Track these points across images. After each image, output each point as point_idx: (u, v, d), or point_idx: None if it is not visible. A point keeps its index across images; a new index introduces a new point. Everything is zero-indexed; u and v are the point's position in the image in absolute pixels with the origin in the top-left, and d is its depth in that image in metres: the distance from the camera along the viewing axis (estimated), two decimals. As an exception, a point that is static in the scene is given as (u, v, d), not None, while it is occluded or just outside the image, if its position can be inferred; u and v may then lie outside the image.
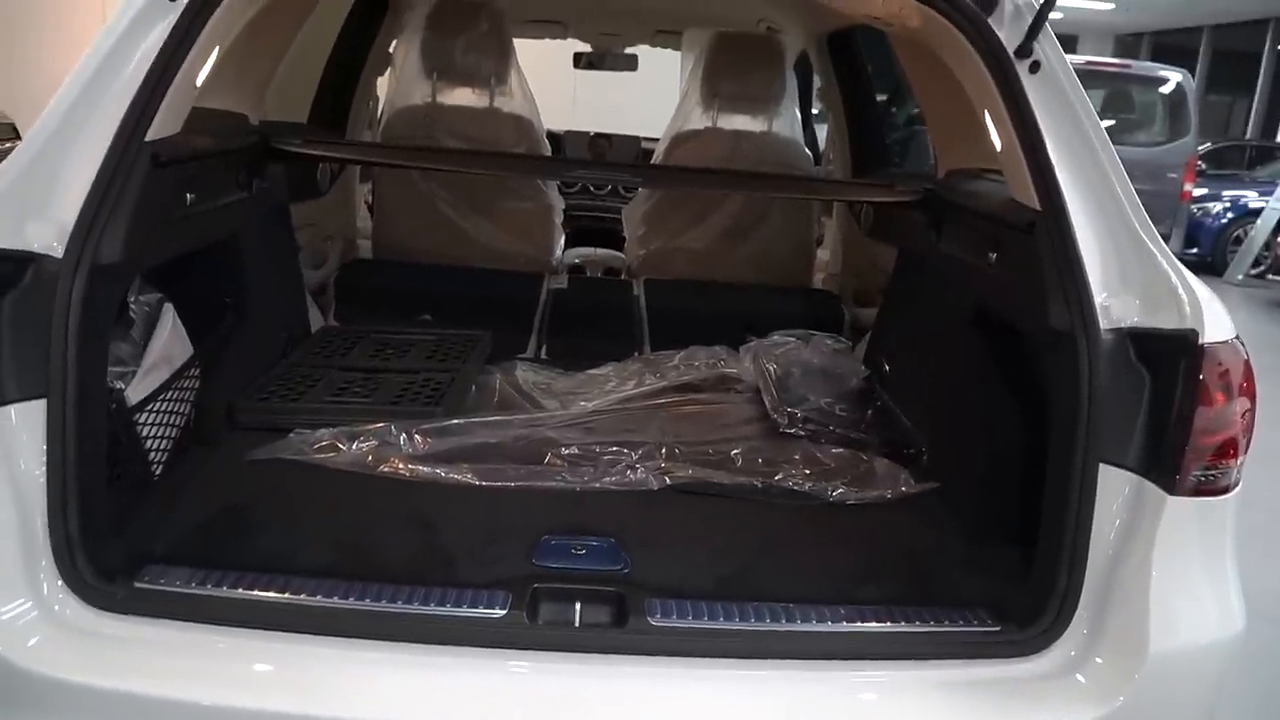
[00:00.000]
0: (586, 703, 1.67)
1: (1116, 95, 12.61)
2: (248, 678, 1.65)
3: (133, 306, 2.19)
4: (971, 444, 2.37)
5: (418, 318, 3.42)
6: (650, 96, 5.99)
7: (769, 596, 1.86)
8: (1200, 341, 1.72)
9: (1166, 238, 11.46)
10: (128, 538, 1.89)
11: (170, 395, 2.22)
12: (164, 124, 1.90)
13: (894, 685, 1.75)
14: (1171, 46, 22.45)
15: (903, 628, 1.84)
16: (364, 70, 3.92)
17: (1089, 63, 13.14)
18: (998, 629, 1.83)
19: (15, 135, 8.77)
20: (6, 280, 1.67)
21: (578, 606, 1.83)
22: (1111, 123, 12.13)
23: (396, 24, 4.05)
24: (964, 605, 1.89)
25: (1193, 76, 13.89)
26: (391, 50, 4.16)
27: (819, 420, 2.69)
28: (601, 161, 5.57)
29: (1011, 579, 1.91)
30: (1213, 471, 1.74)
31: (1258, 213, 12.75)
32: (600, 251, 4.68)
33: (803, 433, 2.65)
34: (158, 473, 2.18)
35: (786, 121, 4.15)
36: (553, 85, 5.92)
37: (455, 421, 2.51)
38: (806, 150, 4.32)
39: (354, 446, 2.35)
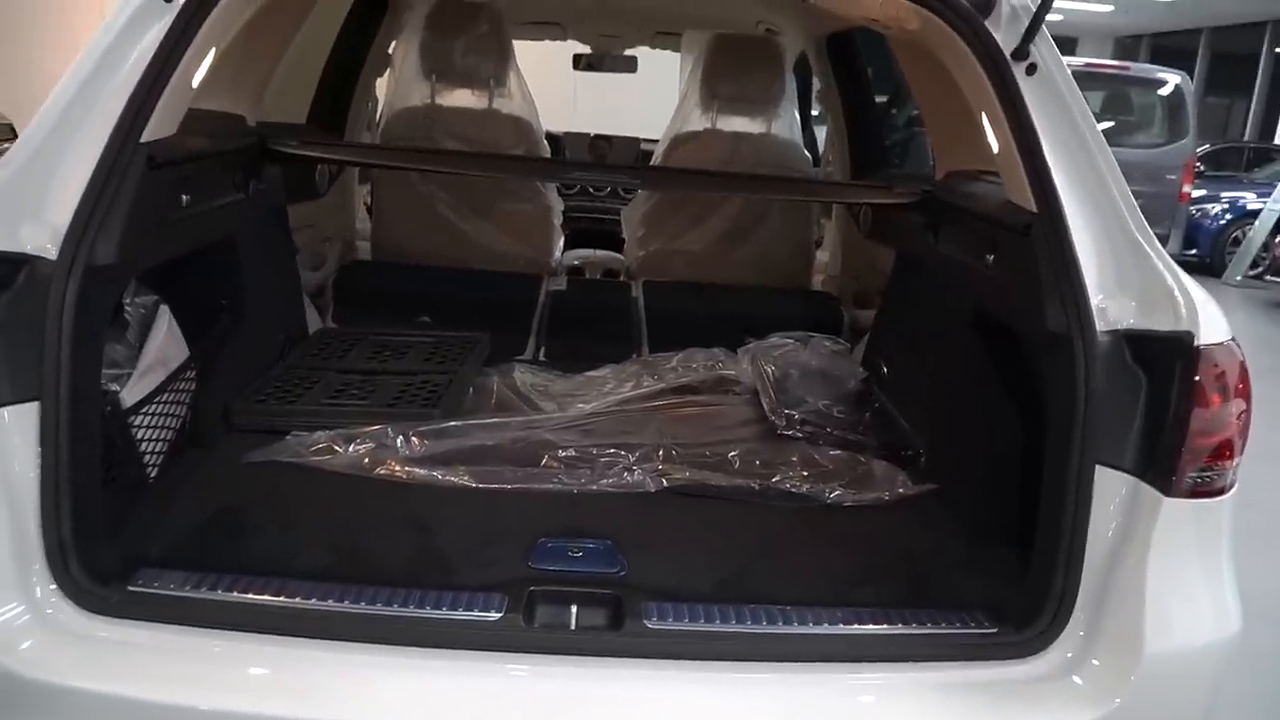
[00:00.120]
0: (583, 706, 1.67)
1: (1115, 97, 12.62)
2: (243, 681, 1.65)
3: (128, 308, 2.18)
4: (969, 446, 2.37)
5: (416, 319, 3.42)
6: (650, 98, 6.00)
7: (766, 599, 1.86)
8: (1196, 343, 1.72)
9: (1165, 239, 11.51)
10: (122, 541, 1.88)
11: (166, 398, 2.22)
12: (160, 125, 1.90)
13: (891, 687, 1.74)
14: (1170, 48, 22.49)
15: (900, 630, 1.83)
16: (363, 71, 3.92)
17: (1088, 65, 13.16)
18: (995, 631, 1.82)
19: (13, 135, 8.75)
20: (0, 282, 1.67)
21: (574, 609, 1.82)
22: (1111, 124, 12.15)
23: (395, 25, 4.05)
24: (961, 607, 1.89)
25: (1191, 78, 13.89)
26: (390, 51, 4.16)
27: (817, 422, 2.69)
28: (600, 163, 5.57)
29: (1009, 581, 1.91)
30: (1209, 473, 1.74)
31: (1256, 214, 12.77)
32: (599, 253, 4.67)
33: (800, 434, 2.65)
34: (153, 475, 2.17)
35: (785, 123, 4.16)
36: (553, 87, 5.93)
37: (452, 424, 2.51)
38: (805, 152, 4.32)
39: (351, 449, 2.34)
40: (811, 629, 1.81)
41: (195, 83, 2.03)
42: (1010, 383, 2.21)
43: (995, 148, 2.14)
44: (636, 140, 6.05)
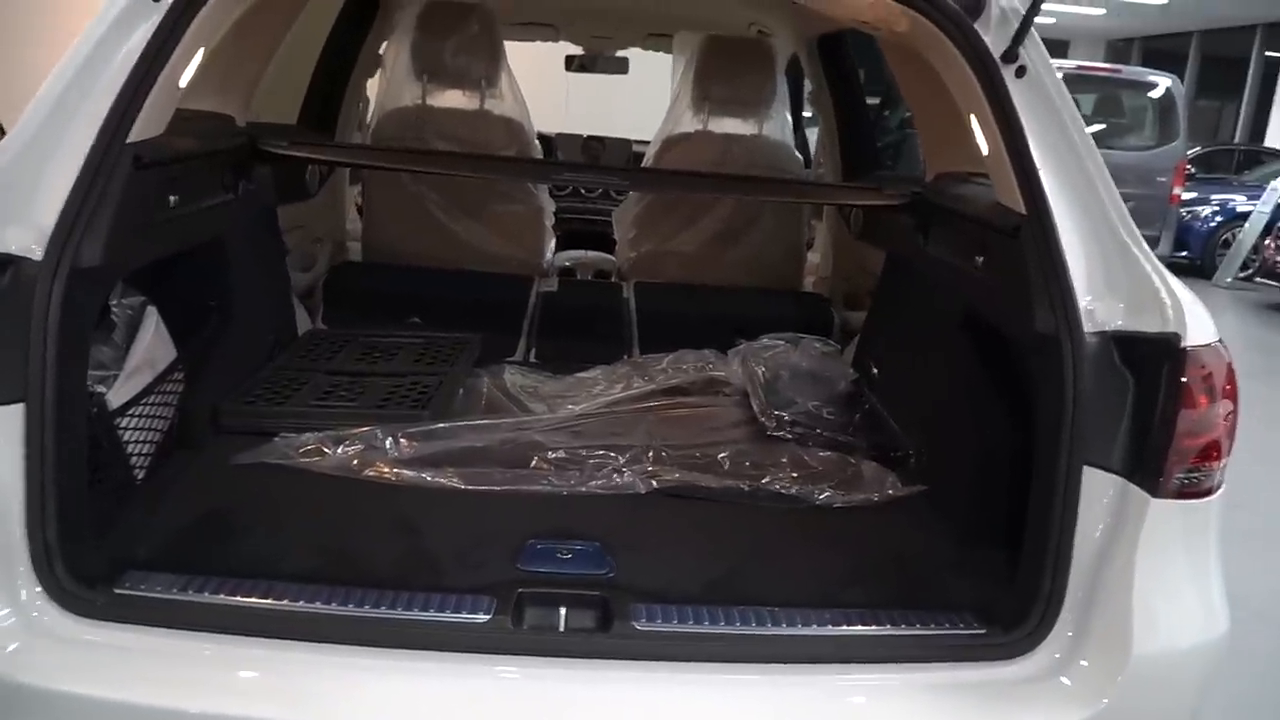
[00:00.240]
0: (571, 708, 1.67)
1: (1107, 100, 12.67)
2: (231, 684, 1.64)
3: (115, 310, 2.17)
4: (959, 447, 2.37)
5: (406, 321, 3.41)
6: (643, 99, 5.99)
7: (755, 600, 1.86)
8: (1183, 344, 1.72)
9: (1156, 241, 11.54)
10: (109, 543, 1.88)
11: (153, 399, 2.21)
12: (147, 125, 1.89)
13: (880, 688, 1.75)
14: (1162, 51, 22.57)
15: (889, 631, 1.83)
16: (354, 72, 3.91)
17: (1080, 67, 13.21)
18: (983, 632, 1.83)
19: (1, 133, 8.70)
20: None
21: (562, 611, 1.82)
22: (1102, 127, 12.19)
23: (386, 25, 4.04)
24: (950, 608, 1.89)
25: (1182, 81, 13.96)
26: (381, 52, 4.15)
27: (807, 423, 2.69)
28: (591, 165, 5.57)
29: (998, 582, 1.91)
30: (1196, 474, 1.74)
31: (1246, 216, 12.83)
32: (591, 254, 4.67)
33: (790, 436, 2.65)
34: (140, 477, 2.16)
35: (777, 125, 4.16)
36: (545, 88, 5.92)
37: (441, 425, 2.50)
38: (797, 154, 4.32)
39: (339, 450, 2.34)
40: (800, 630, 1.81)
41: (183, 83, 2.02)
42: (999, 384, 2.21)
43: (984, 150, 2.14)
44: (629, 142, 6.05)
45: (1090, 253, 1.87)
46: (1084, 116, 2.02)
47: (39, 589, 1.66)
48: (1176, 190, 12.24)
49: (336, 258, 3.98)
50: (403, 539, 2.06)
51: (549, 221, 4.17)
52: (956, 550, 2.15)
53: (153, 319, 2.24)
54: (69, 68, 1.80)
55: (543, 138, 4.80)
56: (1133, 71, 14.13)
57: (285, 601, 1.75)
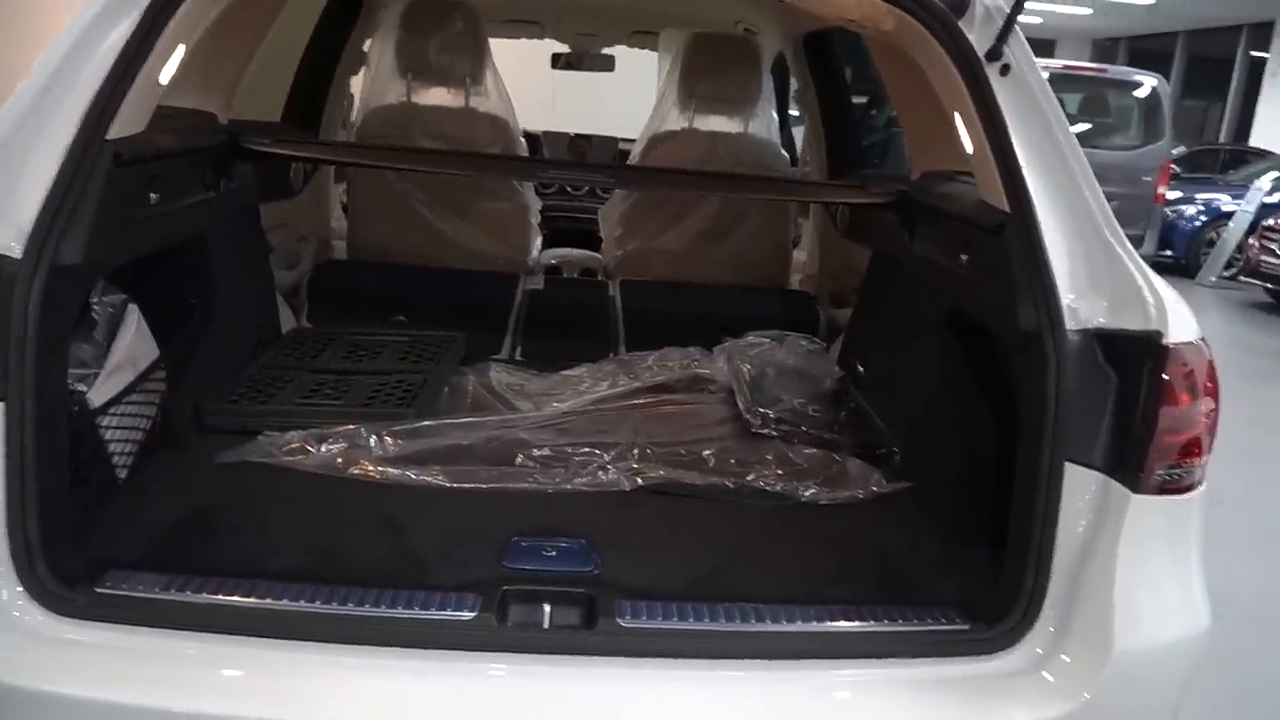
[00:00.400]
0: (557, 705, 1.67)
1: (1093, 99, 12.72)
2: (215, 683, 1.64)
3: (96, 307, 2.16)
4: (943, 444, 2.38)
5: (392, 319, 3.40)
6: (630, 97, 5.99)
7: (740, 597, 1.86)
8: (1165, 342, 1.73)
9: (1141, 240, 11.59)
10: (90, 542, 1.86)
11: (135, 398, 2.20)
12: (127, 122, 1.88)
13: (864, 684, 1.75)
14: (1147, 51, 22.68)
15: (873, 627, 1.84)
16: (338, 69, 3.90)
17: (1066, 67, 13.26)
18: (967, 627, 1.83)
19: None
20: None
21: (547, 608, 1.82)
22: (1088, 126, 12.24)
23: (371, 23, 4.03)
24: (934, 604, 1.90)
25: (1168, 81, 14.02)
26: (365, 49, 4.14)
27: (792, 421, 2.69)
28: (576, 162, 5.56)
29: (981, 577, 1.92)
30: (1177, 470, 1.76)
31: (1230, 215, 12.92)
32: (577, 252, 4.66)
33: (775, 433, 2.65)
34: (122, 476, 2.15)
35: (763, 123, 4.15)
36: (531, 86, 5.92)
37: (426, 423, 2.50)
38: (783, 152, 4.32)
39: (324, 449, 2.33)
40: (785, 626, 1.81)
41: (164, 80, 2.01)
42: (983, 381, 2.22)
43: (969, 148, 2.15)
44: (615, 140, 6.05)
45: (1073, 251, 1.88)
46: (1070, 116, 2.03)
47: (19, 588, 1.64)
48: (1161, 189, 12.30)
49: (321, 256, 3.97)
50: (387, 537, 2.05)
51: (535, 219, 4.16)
52: (940, 546, 2.15)
53: (134, 317, 2.23)
54: (49, 64, 1.79)
55: (529, 136, 4.79)
56: (1118, 71, 14.20)
57: (269, 600, 1.75)
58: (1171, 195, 12.88)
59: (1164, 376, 1.73)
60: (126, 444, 2.17)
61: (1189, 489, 1.79)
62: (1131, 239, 1.90)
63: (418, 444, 2.40)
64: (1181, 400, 1.75)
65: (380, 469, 2.29)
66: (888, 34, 2.26)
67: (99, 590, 1.73)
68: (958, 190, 2.48)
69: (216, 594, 1.75)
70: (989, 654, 1.77)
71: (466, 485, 2.27)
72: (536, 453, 2.44)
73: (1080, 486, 1.77)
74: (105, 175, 1.81)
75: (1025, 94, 1.97)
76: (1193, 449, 1.77)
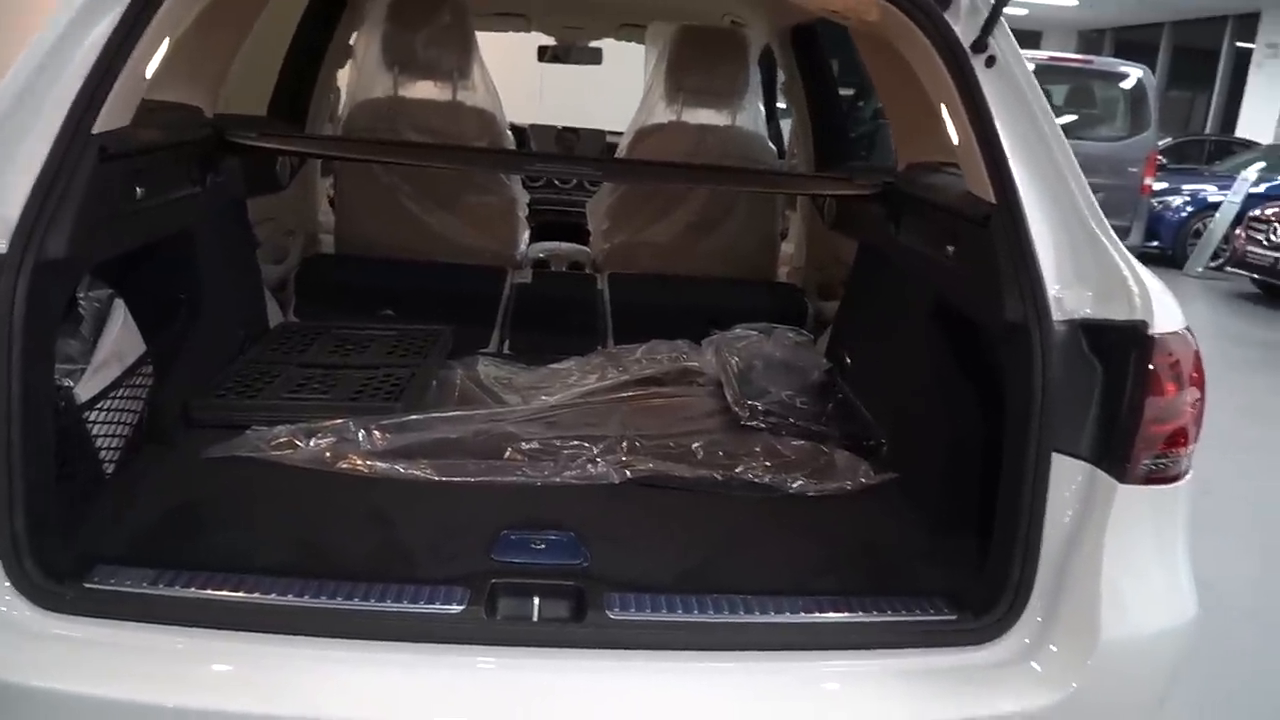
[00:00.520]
0: (546, 697, 1.67)
1: (1079, 91, 12.77)
2: (204, 678, 1.63)
3: (82, 302, 2.15)
4: (930, 435, 2.39)
5: (379, 313, 3.40)
6: (619, 90, 5.98)
7: (729, 589, 1.87)
8: (1150, 332, 1.74)
9: (1127, 231, 11.61)
10: (78, 537, 1.86)
11: (122, 393, 2.19)
12: (112, 116, 1.87)
13: (853, 674, 1.76)
14: (1133, 42, 22.71)
15: (861, 617, 1.85)
16: (324, 63, 3.88)
17: (1052, 58, 13.32)
18: (954, 618, 1.84)
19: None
20: None
21: (536, 601, 1.82)
22: (1074, 118, 12.29)
23: (357, 16, 4.01)
24: (922, 595, 1.90)
25: (1153, 72, 14.06)
26: (352, 43, 4.13)
27: (780, 413, 2.70)
28: (563, 155, 5.55)
29: (969, 568, 1.93)
30: (1163, 460, 1.76)
31: (1217, 206, 12.96)
32: (565, 246, 4.66)
33: (763, 425, 2.66)
34: (110, 471, 2.15)
35: (750, 115, 4.16)
36: (519, 78, 5.90)
37: (414, 417, 2.50)
38: (770, 144, 4.32)
39: (312, 443, 2.33)
40: (773, 618, 1.81)
41: (149, 74, 2.00)
42: (970, 372, 2.23)
43: (955, 139, 2.15)
44: (603, 133, 6.04)
45: (1059, 241, 1.88)
46: (1056, 107, 2.04)
47: (7, 583, 1.64)
48: (1148, 181, 12.36)
49: (308, 250, 3.95)
50: (376, 531, 2.05)
51: (523, 213, 4.16)
52: (928, 537, 2.16)
53: (120, 312, 2.22)
54: (33, 58, 1.78)
55: (516, 129, 4.78)
56: (1104, 62, 14.21)
57: (258, 594, 1.74)
58: (1158, 186, 12.92)
59: (1150, 366, 1.74)
60: (113, 439, 2.17)
61: (1175, 479, 1.80)
62: (1118, 230, 1.90)
63: (406, 438, 2.40)
64: (1167, 390, 1.75)
65: (368, 463, 2.29)
66: (873, 26, 2.26)
67: (87, 585, 1.72)
68: (944, 182, 2.49)
69: (205, 589, 1.75)
70: (976, 644, 1.77)
71: (455, 479, 2.27)
72: (525, 446, 2.44)
73: (1067, 476, 1.77)
74: (90, 170, 1.80)
75: (1011, 85, 1.98)
76: (1179, 439, 1.78)
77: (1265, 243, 11.20)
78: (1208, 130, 20.42)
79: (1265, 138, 17.06)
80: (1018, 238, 1.89)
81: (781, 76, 4.46)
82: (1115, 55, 20.16)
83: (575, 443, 2.45)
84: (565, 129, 6.25)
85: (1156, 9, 20.99)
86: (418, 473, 2.27)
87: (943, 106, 2.15)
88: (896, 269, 2.76)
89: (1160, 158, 13.37)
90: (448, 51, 3.82)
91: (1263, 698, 3.38)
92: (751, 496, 2.33)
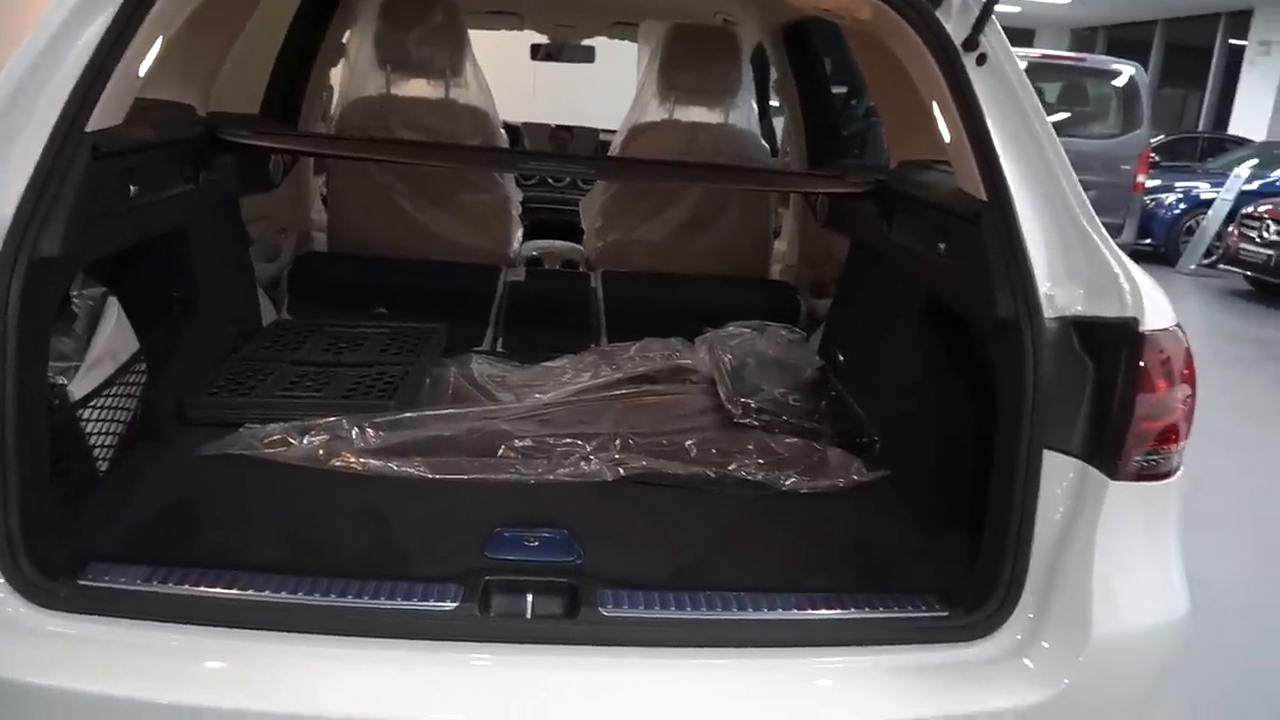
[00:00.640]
0: (540, 693, 1.67)
1: (1072, 88, 12.79)
2: (199, 675, 1.63)
3: (76, 301, 2.15)
4: (923, 432, 2.39)
5: (373, 311, 3.40)
6: (615, 86, 5.98)
7: (722, 586, 1.87)
8: (1141, 329, 1.75)
9: (1120, 228, 11.59)
10: (72, 535, 1.86)
11: (115, 391, 2.19)
12: (105, 115, 1.87)
13: (845, 671, 1.76)
14: (1126, 40, 22.75)
15: (853, 614, 1.85)
16: (317, 61, 3.88)
17: (1045, 56, 13.34)
18: (946, 614, 1.84)
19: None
20: None
21: (529, 598, 1.82)
22: (1067, 115, 12.30)
23: (349, 14, 4.01)
24: (914, 591, 1.91)
25: (1146, 70, 14.10)
26: (344, 41, 4.13)
27: (773, 410, 2.71)
28: (556, 154, 5.55)
29: (961, 565, 1.93)
30: (1154, 456, 1.77)
31: (1209, 204, 12.98)
32: (558, 244, 4.66)
33: (756, 423, 2.66)
34: (104, 469, 2.15)
35: (743, 113, 4.17)
36: (513, 76, 5.90)
37: (408, 415, 2.50)
38: (763, 142, 4.33)
39: (305, 441, 2.33)
40: (766, 614, 1.82)
41: (142, 72, 2.00)
42: (961, 370, 2.24)
43: (946, 137, 2.16)
44: (596, 131, 6.04)
45: (1050, 239, 1.89)
46: (1049, 105, 2.05)
47: (1, 580, 1.64)
48: (1141, 178, 12.39)
49: (301, 248, 3.95)
50: (370, 528, 2.05)
51: (516, 211, 4.16)
52: (920, 534, 2.17)
53: (114, 310, 2.22)
54: (27, 56, 1.78)
55: (510, 127, 4.78)
56: (1097, 60, 14.25)
57: (252, 591, 1.75)
58: (1150, 184, 12.96)
59: (1140, 363, 1.75)
60: (107, 437, 2.17)
61: (1166, 475, 1.80)
62: (1111, 227, 1.91)
63: (399, 436, 2.40)
64: (1158, 387, 1.76)
65: (362, 461, 2.29)
66: (864, 23, 2.27)
67: (81, 582, 1.72)
68: (935, 179, 2.50)
69: (199, 586, 1.75)
70: (968, 641, 1.78)
71: (448, 476, 2.27)
72: (518, 444, 2.44)
73: (1058, 473, 1.78)
74: (84, 168, 1.80)
75: (1002, 83, 1.98)
76: (1170, 435, 1.78)
77: (1258, 240, 11.23)
78: (1200, 127, 20.47)
79: (1258, 135, 17.10)
80: (1009, 235, 1.89)
81: (774, 74, 4.47)
82: (1108, 53, 20.23)
83: (569, 440, 2.46)
84: (559, 127, 6.25)
85: (1149, 7, 21.03)
86: (411, 470, 2.27)
87: (934, 104, 2.16)
88: (889, 266, 2.77)
89: (1153, 155, 13.42)
90: (440, 50, 3.82)
91: (1257, 695, 3.39)
92: (744, 494, 2.34)
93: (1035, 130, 1.95)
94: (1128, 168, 12.16)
